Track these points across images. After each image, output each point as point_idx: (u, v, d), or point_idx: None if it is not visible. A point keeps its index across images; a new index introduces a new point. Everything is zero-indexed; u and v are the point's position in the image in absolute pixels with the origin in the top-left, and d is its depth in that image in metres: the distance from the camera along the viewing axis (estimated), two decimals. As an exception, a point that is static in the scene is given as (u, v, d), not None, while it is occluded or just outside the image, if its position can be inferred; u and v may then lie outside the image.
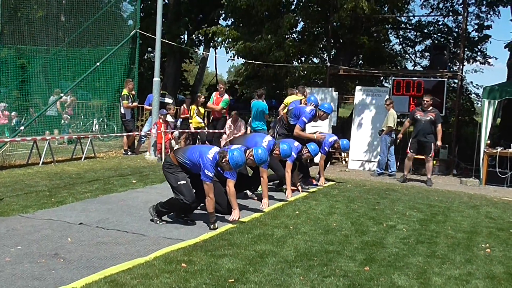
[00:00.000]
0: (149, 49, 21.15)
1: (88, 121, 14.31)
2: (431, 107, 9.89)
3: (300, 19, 15.20)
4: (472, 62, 19.77)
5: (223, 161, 5.33)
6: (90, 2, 13.10)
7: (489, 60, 19.62)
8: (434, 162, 10.69)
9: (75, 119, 14.24)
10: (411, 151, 10.01)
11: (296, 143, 7.70)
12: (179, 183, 5.32)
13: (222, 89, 12.01)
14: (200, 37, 22.53)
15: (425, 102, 9.89)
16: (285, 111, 9.82)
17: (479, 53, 19.37)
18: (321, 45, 16.69)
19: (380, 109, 11.85)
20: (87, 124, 14.18)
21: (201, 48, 24.27)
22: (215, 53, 27.63)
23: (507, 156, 10.06)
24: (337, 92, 13.07)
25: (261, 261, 4.29)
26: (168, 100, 12.75)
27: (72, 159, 10.42)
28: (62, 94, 12.04)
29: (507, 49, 14.76)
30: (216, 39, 16.49)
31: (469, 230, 5.96)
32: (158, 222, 5.43)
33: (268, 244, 4.82)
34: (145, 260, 4.13)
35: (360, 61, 19.23)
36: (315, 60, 16.91)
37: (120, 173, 8.90)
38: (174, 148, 11.56)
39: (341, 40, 16.88)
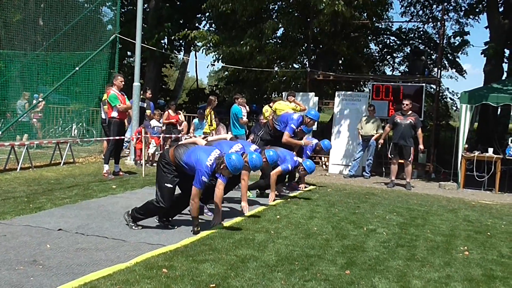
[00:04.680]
0: (129, 53, 21.01)
1: (67, 126, 14.12)
2: (410, 111, 10.04)
3: (281, 25, 15.33)
4: (449, 69, 20.20)
5: (221, 167, 5.25)
6: (69, 6, 12.95)
7: (463, 71, 20.12)
8: (413, 166, 10.87)
9: (53, 124, 14.03)
10: (392, 155, 10.15)
11: (296, 158, 7.78)
12: (165, 185, 5.24)
13: (123, 83, 9.32)
14: (181, 42, 22.49)
15: (404, 105, 10.03)
16: (270, 117, 9.90)
17: (454, 65, 19.79)
18: (301, 51, 16.83)
19: (360, 113, 12.00)
20: (66, 129, 13.99)
21: (182, 53, 24.22)
22: (196, 58, 27.58)
23: (484, 160, 10.27)
24: (317, 97, 13.18)
25: (242, 266, 4.28)
26: (141, 104, 12.48)
27: (51, 164, 10.26)
28: (40, 99, 11.85)
29: (483, 55, 15.07)
30: (197, 43, 16.50)
31: (447, 233, 6.06)
32: (134, 227, 5.37)
33: (249, 248, 4.82)
34: (126, 266, 4.08)
35: (340, 67, 19.42)
36: (295, 65, 17.02)
37: (100, 178, 8.79)
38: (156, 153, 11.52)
39: (321, 46, 17.04)
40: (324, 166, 12.97)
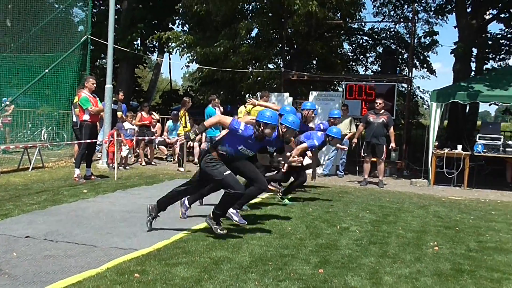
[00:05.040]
0: (102, 55, 20.69)
1: (36, 130, 13.79)
2: (383, 110, 10.18)
3: (255, 25, 15.34)
4: (420, 69, 20.58)
5: (260, 127, 5.18)
6: (38, 7, 12.66)
7: (433, 70, 20.56)
8: (385, 164, 11.03)
9: (21, 127, 13.68)
10: (365, 154, 10.27)
11: (320, 133, 7.65)
12: (225, 174, 5.15)
13: (95, 85, 9.16)
14: (154, 43, 22.29)
15: (377, 104, 10.15)
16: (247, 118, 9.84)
17: (424, 64, 20.17)
18: (275, 51, 16.88)
19: (334, 113, 12.09)
20: (35, 133, 13.65)
21: (155, 54, 23.98)
22: (170, 59, 27.35)
23: (453, 157, 10.48)
24: (291, 97, 13.24)
25: (216, 268, 4.26)
26: (113, 106, 12.32)
27: (19, 169, 9.99)
28: (8, 102, 11.55)
29: (452, 54, 15.39)
30: (170, 44, 16.37)
31: (418, 230, 6.16)
32: (219, 230, 5.23)
33: (223, 250, 4.80)
34: (96, 272, 4.01)
35: (314, 66, 19.56)
36: (270, 65, 17.08)
37: (70, 183, 8.61)
38: (126, 157, 11.35)
39: (295, 46, 17.13)
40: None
